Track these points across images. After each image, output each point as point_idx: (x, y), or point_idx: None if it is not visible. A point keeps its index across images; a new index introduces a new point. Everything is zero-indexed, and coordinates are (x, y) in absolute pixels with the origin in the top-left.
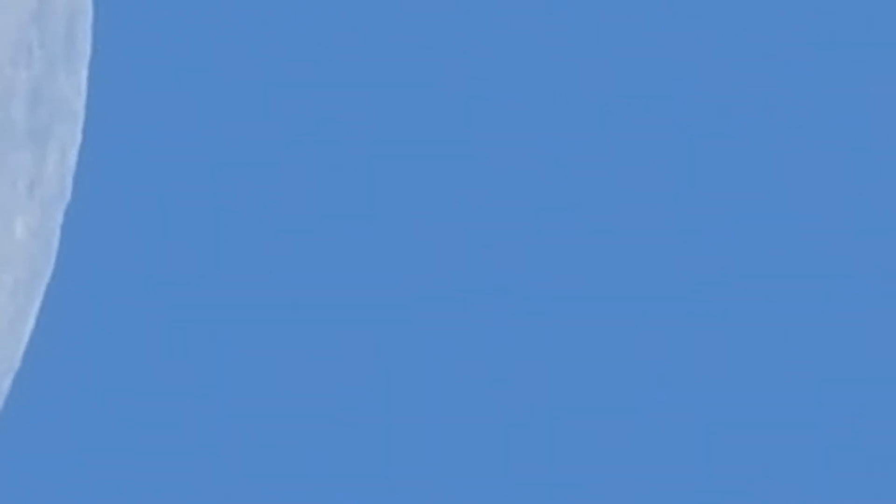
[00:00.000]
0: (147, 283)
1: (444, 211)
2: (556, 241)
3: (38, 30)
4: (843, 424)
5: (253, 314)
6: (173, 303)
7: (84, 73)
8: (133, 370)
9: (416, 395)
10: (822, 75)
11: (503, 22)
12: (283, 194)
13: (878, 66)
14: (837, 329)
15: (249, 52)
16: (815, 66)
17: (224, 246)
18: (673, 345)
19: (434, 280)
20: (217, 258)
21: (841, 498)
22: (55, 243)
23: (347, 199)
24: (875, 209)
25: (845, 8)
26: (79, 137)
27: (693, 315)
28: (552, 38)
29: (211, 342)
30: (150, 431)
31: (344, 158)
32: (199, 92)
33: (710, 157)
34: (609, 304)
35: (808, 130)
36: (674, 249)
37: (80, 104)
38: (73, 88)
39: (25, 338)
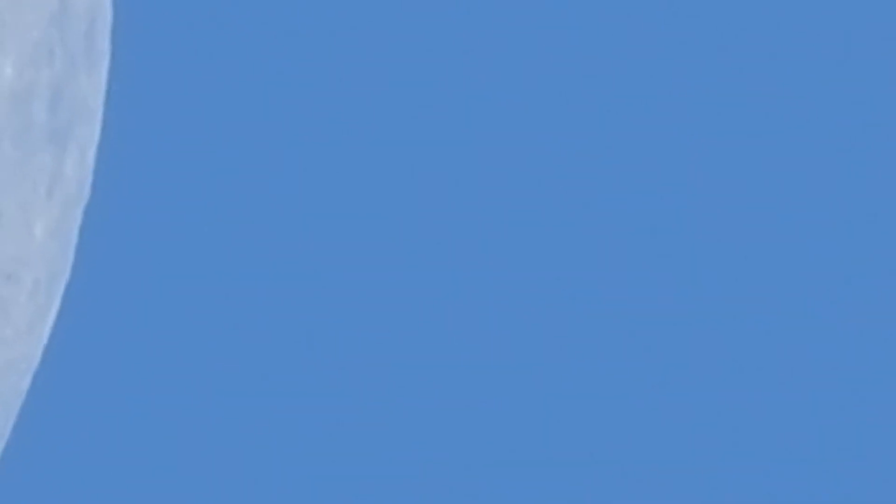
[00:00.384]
0: (166, 283)
1: (444, 211)
2: (557, 241)
3: (59, 31)
4: (843, 424)
5: (275, 312)
6: (192, 302)
7: (104, 73)
8: (152, 369)
9: (415, 394)
10: (823, 75)
11: (503, 22)
12: (304, 193)
13: (878, 66)
14: (838, 329)
15: (270, 52)
16: (815, 66)
17: (243, 244)
18: (673, 345)
19: (434, 280)
20: (236, 257)
21: (841, 498)
22: (74, 243)
23: (368, 200)
24: (875, 209)
25: (845, 8)
26: (97, 137)
27: (693, 315)
28: (552, 38)
29: (228, 342)
30: (169, 430)
31: (366, 157)
32: (219, 93)
33: (710, 157)
34: (609, 304)
35: (809, 130)
36: (674, 249)
37: (98, 104)
38: (93, 89)
39: (45, 337)
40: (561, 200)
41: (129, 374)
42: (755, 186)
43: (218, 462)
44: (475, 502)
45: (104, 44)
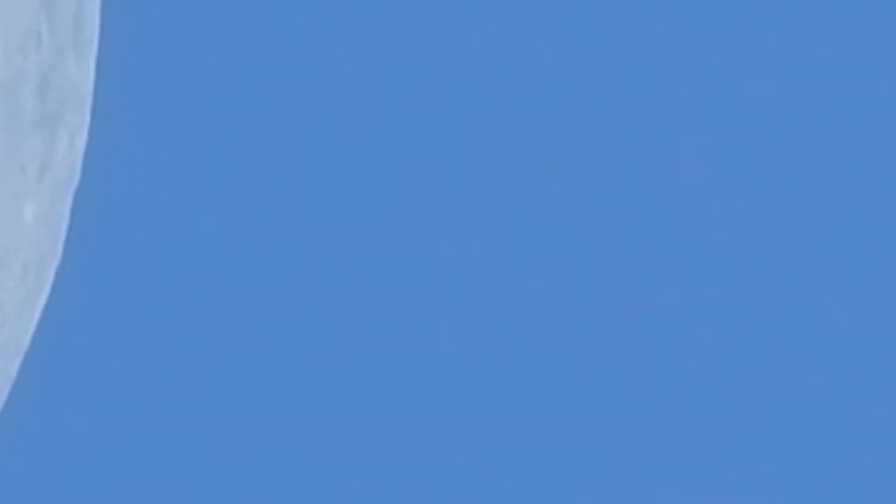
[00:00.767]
0: (157, 268)
1: (444, 211)
2: (557, 241)
3: (47, 16)
4: (843, 424)
5: (262, 298)
6: (183, 289)
7: (93, 59)
8: (141, 355)
9: (415, 395)
10: (823, 75)
11: (503, 22)
12: (295, 183)
13: (878, 67)
14: (837, 329)
15: (260, 37)
16: (815, 66)
17: (234, 232)
18: (673, 345)
19: (434, 280)
20: (226, 245)
21: (841, 498)
22: (64, 229)
23: (369, 200)
24: (875, 209)
25: (845, 8)
26: (87, 122)
27: (693, 315)
28: (552, 38)
29: (219, 329)
30: (157, 418)
31: (366, 157)
32: (209, 78)
33: (710, 158)
34: (609, 305)
35: (809, 130)
36: (674, 249)
37: (88, 90)
38: (82, 74)
39: (34, 322)
40: (561, 200)
41: (119, 360)
42: (755, 186)
43: (213, 451)
44: (475, 502)
45: (93, 29)
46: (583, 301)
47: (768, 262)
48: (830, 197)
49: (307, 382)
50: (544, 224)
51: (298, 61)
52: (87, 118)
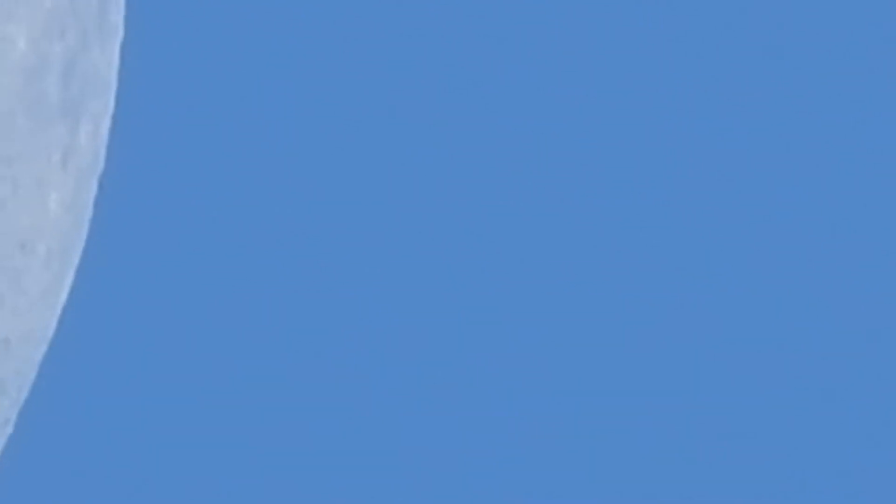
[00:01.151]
0: (181, 254)
1: (444, 211)
2: (557, 242)
3: (71, 3)
4: (843, 424)
5: (286, 281)
6: (205, 277)
7: (117, 45)
8: (164, 342)
9: (415, 395)
10: (823, 75)
11: (503, 22)
12: (317, 168)
13: (878, 67)
14: (838, 329)
15: (286, 22)
16: (815, 66)
17: (256, 219)
18: (673, 345)
19: (434, 280)
20: (249, 233)
21: (840, 498)
22: (88, 216)
23: (369, 200)
24: (875, 209)
25: (845, 8)
26: (111, 109)
27: (693, 315)
28: (553, 38)
29: (238, 320)
30: (178, 405)
31: (367, 157)
32: (234, 67)
33: (710, 158)
34: (609, 305)
35: (809, 130)
36: (674, 249)
37: (112, 77)
38: (106, 61)
39: (58, 309)
40: (561, 201)
41: (143, 346)
42: (755, 186)
43: (217, 448)
44: (474, 502)
45: (117, 16)
46: (583, 301)
47: (768, 262)
48: (831, 197)
49: (314, 376)
50: (544, 224)
51: (322, 47)
52: (112, 105)
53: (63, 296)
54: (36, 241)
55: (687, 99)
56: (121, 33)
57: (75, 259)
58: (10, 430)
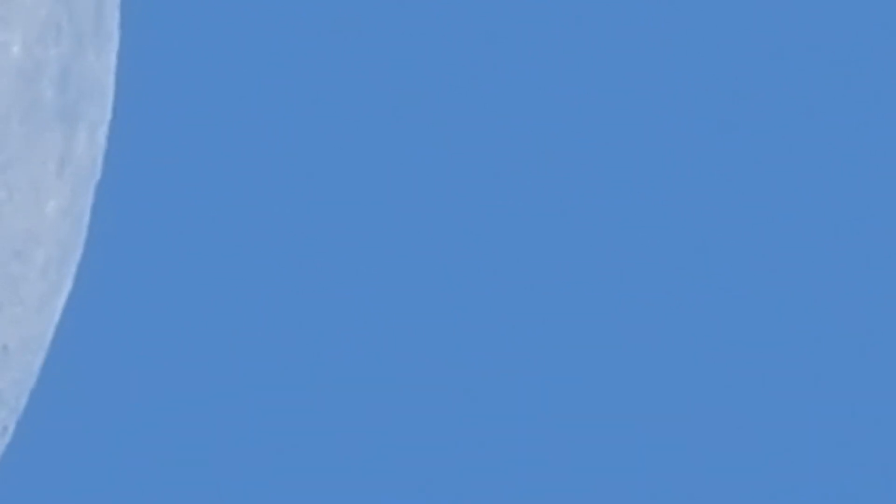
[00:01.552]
0: (178, 262)
1: (444, 211)
2: (557, 242)
3: (67, 8)
4: (843, 424)
5: (280, 292)
6: (203, 284)
7: (113, 52)
8: (162, 350)
9: (415, 395)
10: (823, 75)
11: (503, 22)
12: (318, 173)
13: (877, 67)
14: (838, 329)
15: (282, 30)
16: (815, 66)
17: (254, 226)
18: (673, 345)
19: (434, 281)
20: (247, 239)
21: (840, 498)
22: (85, 222)
23: (369, 201)
24: (875, 209)
25: (845, 8)
26: (108, 115)
27: (693, 315)
28: (552, 38)
29: (236, 323)
30: (177, 411)
31: (367, 157)
32: (231, 73)
33: (710, 158)
34: (609, 305)
35: (809, 130)
36: (674, 249)
37: (109, 82)
38: (103, 66)
39: (56, 316)
40: (560, 201)
41: (141, 353)
42: (755, 186)
43: (218, 452)
44: (474, 502)
45: (113, 21)
46: (583, 301)
47: (769, 262)
48: (830, 197)
49: (314, 376)
50: (544, 224)
51: (321, 54)
52: (108, 112)
53: (61, 303)
54: (33, 248)
55: (687, 99)
56: (117, 39)
57: (73, 266)
58: (8, 438)
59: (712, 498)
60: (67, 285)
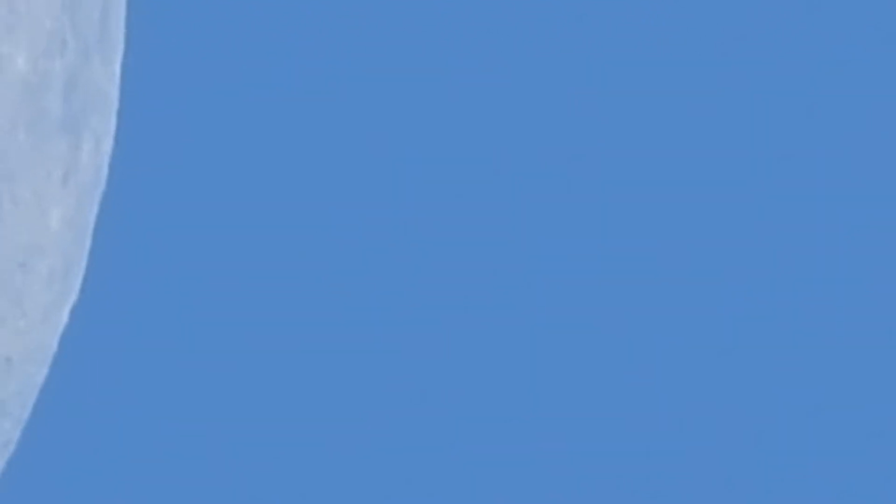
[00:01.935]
0: (182, 273)
1: (444, 212)
2: (557, 243)
3: (72, 19)
4: (843, 425)
5: (288, 301)
6: (208, 295)
7: (118, 64)
8: (166, 360)
9: (415, 395)
10: (823, 75)
11: (504, 22)
12: (323, 188)
13: (877, 67)
14: (838, 329)
15: (287, 40)
16: (815, 66)
17: (258, 237)
18: (673, 345)
19: (434, 281)
20: (251, 249)
21: (840, 498)
22: (90, 232)
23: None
24: (875, 209)
25: (845, 8)
26: (113, 126)
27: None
28: (553, 38)
29: (240, 334)
30: (179, 422)
31: (368, 158)
32: (236, 84)
33: (710, 158)
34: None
35: (809, 131)
36: (675, 249)
37: (114, 93)
38: (108, 78)
39: (60, 327)
40: (560, 201)
41: (145, 364)
42: (755, 186)
43: (220, 461)
44: (474, 502)
45: (118, 32)
46: (584, 301)
47: (769, 262)
48: (831, 197)
49: (314, 376)
50: (545, 224)
51: (327, 65)
52: (113, 123)
53: (65, 314)
54: (37, 259)
55: (687, 99)
56: (122, 49)
57: (77, 277)
58: (11, 449)
59: (712, 498)
60: (72, 296)
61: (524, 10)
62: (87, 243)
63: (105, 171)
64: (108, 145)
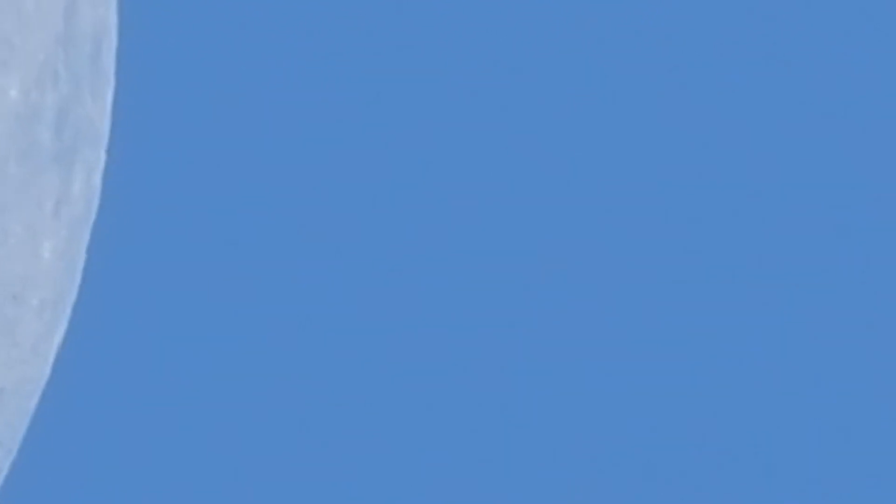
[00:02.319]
0: (173, 303)
1: (444, 212)
2: (557, 243)
3: (65, 52)
4: (843, 425)
5: (281, 342)
6: (200, 325)
7: (109, 95)
8: (158, 389)
9: (415, 396)
10: (823, 75)
11: (503, 22)
12: (315, 219)
13: (878, 67)
14: (838, 329)
15: (278, 77)
16: (815, 66)
17: (252, 267)
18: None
19: (434, 282)
20: (245, 281)
21: (840, 498)
22: (81, 264)
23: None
24: (875, 209)
25: (845, 8)
26: (103, 158)
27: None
28: (552, 38)
29: (236, 361)
30: (172, 450)
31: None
32: (226, 115)
33: (710, 158)
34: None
35: (809, 131)
36: (675, 250)
37: (105, 125)
38: (99, 109)
39: (51, 358)
40: (560, 201)
41: (135, 392)
42: (755, 186)
43: (220, 461)
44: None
45: (110, 66)
46: (583, 302)
47: (769, 262)
48: (831, 197)
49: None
50: (545, 224)
51: (322, 87)
52: (104, 154)
53: (56, 345)
54: (29, 291)
55: (687, 99)
56: (113, 82)
57: (68, 307)
58: (2, 478)
59: (712, 498)
60: (62, 328)
61: (524, 10)
62: (78, 275)
63: (96, 201)
64: (98, 177)
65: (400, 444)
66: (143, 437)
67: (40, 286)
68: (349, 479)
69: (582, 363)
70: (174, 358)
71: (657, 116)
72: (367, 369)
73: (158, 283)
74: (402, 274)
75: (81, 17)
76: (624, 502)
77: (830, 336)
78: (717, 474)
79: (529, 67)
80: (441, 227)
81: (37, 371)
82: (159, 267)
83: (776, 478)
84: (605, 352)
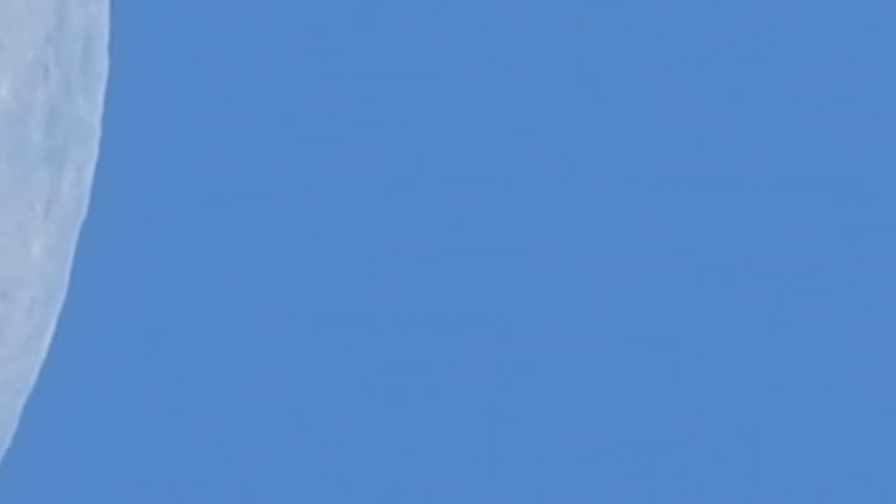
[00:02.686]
0: (163, 301)
1: (444, 212)
2: (556, 243)
3: (55, 50)
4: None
5: (273, 344)
6: (190, 324)
7: (101, 93)
8: (147, 389)
9: (416, 396)
10: (823, 75)
11: (504, 22)
12: (309, 218)
13: (878, 67)
14: (838, 329)
15: (269, 75)
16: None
17: (243, 265)
18: (674, 346)
19: (434, 282)
20: (235, 279)
21: (840, 498)
22: (70, 262)
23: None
24: (875, 209)
25: (845, 8)
26: (95, 157)
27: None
28: (553, 38)
29: (228, 361)
30: (163, 449)
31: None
32: (216, 113)
33: (710, 158)
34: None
35: (809, 130)
36: (675, 250)
37: (96, 124)
38: (90, 108)
39: (41, 356)
40: (560, 202)
41: (125, 391)
42: (755, 186)
43: (220, 461)
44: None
45: (101, 64)
46: (582, 302)
47: (769, 262)
48: (831, 197)
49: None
50: (545, 225)
51: (318, 93)
52: (95, 152)
53: (45, 343)
54: (19, 289)
55: (687, 99)
56: (104, 81)
57: (57, 306)
58: None
59: (712, 498)
60: (52, 325)
61: (524, 11)
62: (68, 273)
63: (86, 199)
64: (89, 176)
65: (400, 444)
66: (132, 435)
67: (30, 285)
68: (349, 478)
69: (582, 363)
70: (164, 356)
71: (657, 116)
72: (367, 369)
73: (149, 282)
74: (401, 273)
75: (72, 15)
76: (623, 502)
77: (831, 336)
78: (717, 474)
79: (529, 67)
80: (441, 227)
81: (27, 369)
82: (149, 265)
83: (776, 478)
84: (606, 352)
